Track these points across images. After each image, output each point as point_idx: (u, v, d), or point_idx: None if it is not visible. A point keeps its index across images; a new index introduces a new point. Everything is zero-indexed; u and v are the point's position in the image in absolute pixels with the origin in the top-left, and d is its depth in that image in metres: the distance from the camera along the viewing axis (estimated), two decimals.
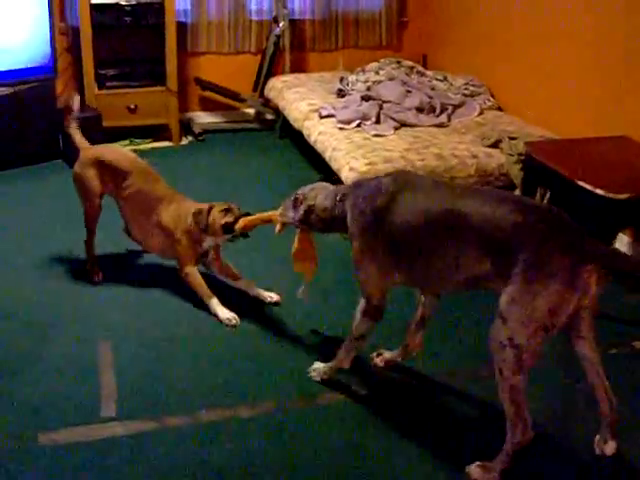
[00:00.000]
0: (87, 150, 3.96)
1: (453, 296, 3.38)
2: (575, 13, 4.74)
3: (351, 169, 4.29)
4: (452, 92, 5.61)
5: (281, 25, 6.31)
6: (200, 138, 6.31)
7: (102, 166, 3.87)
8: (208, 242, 3.74)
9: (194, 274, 3.74)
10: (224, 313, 3.58)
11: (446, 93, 5.58)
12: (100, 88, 5.91)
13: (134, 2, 5.82)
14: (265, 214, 3.35)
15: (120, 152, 4.05)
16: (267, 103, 6.47)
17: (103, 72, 5.92)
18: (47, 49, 5.55)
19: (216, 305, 3.62)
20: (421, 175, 3.00)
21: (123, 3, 5.80)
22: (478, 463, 2.62)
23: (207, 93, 6.55)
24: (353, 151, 4.48)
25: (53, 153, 5.69)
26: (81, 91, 5.96)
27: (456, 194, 2.67)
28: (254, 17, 6.57)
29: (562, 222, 2.48)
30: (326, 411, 3.00)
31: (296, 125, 5.49)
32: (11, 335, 3.43)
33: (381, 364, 3.25)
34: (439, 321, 3.38)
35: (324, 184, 3.17)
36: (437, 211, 2.64)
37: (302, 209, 3.07)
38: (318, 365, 3.17)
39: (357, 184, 3.00)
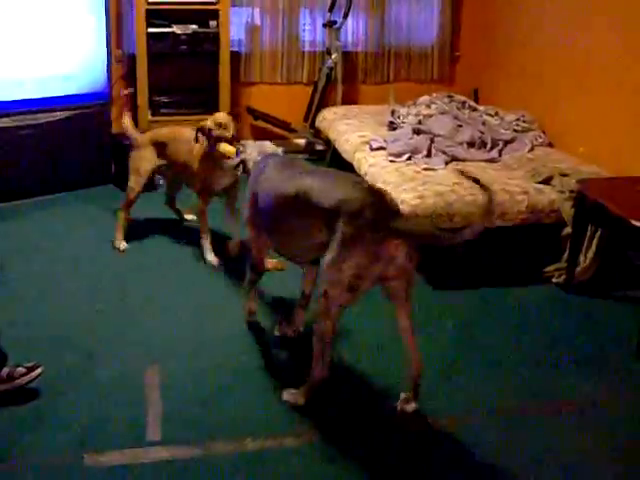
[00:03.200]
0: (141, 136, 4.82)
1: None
2: (629, 51, 4.72)
3: (402, 202, 4.27)
4: (503, 127, 5.59)
5: (334, 57, 6.36)
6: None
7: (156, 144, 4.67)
8: (223, 181, 4.40)
9: (204, 213, 4.50)
10: (211, 256, 4.47)
11: (497, 128, 5.55)
12: (154, 115, 5.99)
13: (190, 31, 5.91)
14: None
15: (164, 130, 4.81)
16: (318, 134, 6.50)
17: (157, 99, 6.00)
18: (103, 76, 5.67)
19: (207, 246, 4.50)
20: (281, 154, 3.76)
21: (179, 32, 5.89)
22: (290, 390, 3.15)
23: (259, 122, 6.61)
24: (404, 184, 4.47)
25: (105, 177, 5.77)
26: (135, 117, 6.06)
27: (303, 173, 3.17)
28: (307, 48, 6.66)
29: (378, 201, 2.86)
30: (373, 444, 2.98)
31: (346, 157, 5.50)
32: (59, 356, 3.46)
33: (278, 333, 3.71)
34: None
35: (270, 148, 3.87)
36: (288, 187, 3.13)
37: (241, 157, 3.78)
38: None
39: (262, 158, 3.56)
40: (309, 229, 3.03)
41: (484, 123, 5.62)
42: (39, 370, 3.17)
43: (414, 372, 3.08)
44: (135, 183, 4.70)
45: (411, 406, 3.12)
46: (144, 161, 4.68)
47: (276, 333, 3.71)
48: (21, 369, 3.14)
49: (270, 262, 4.38)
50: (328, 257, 2.87)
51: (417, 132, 5.25)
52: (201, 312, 3.93)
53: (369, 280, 2.84)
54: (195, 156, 4.39)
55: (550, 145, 5.45)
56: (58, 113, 5.44)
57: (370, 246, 2.78)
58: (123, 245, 4.68)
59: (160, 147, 4.64)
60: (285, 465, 2.82)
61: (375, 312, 3.59)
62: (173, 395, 3.21)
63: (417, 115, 5.66)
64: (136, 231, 4.87)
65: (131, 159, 4.77)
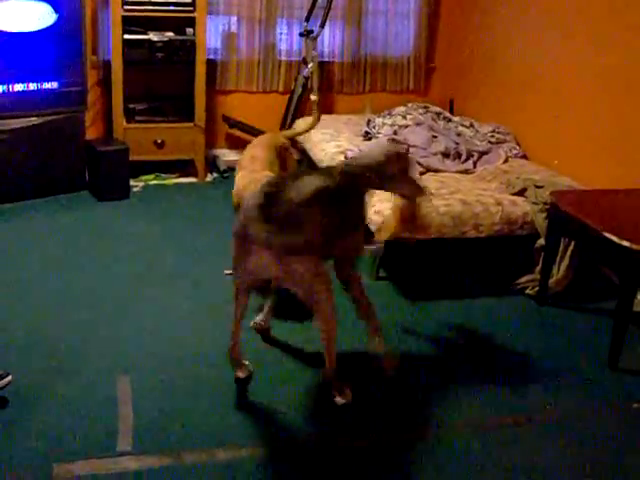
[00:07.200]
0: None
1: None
2: (603, 65, 4.76)
3: (376, 212, 4.29)
4: (478, 139, 5.62)
5: (310, 66, 6.36)
6: (225, 175, 6.35)
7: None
8: None
9: None
10: None
11: (472, 140, 5.58)
12: (129, 122, 5.96)
13: (166, 39, 5.89)
14: None
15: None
16: (294, 143, 6.48)
17: (132, 106, 5.98)
18: (78, 82, 5.61)
19: None
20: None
21: (155, 39, 5.86)
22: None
23: (234, 131, 6.60)
24: (378, 194, 4.47)
25: (80, 184, 5.73)
26: (109, 124, 6.04)
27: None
28: (283, 57, 6.65)
29: (262, 204, 2.96)
30: (352, 454, 2.97)
31: (321, 166, 5.49)
32: (29, 366, 3.42)
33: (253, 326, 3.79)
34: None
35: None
36: None
37: None
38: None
39: None
40: None
41: (459, 134, 5.65)
42: (8, 379, 3.13)
43: (327, 371, 3.23)
44: None
45: (339, 400, 3.25)
46: None
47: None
48: None
49: None
50: None
51: (392, 142, 5.26)
52: (174, 322, 3.90)
53: (245, 271, 3.09)
54: None
55: (525, 157, 5.49)
56: (32, 119, 5.40)
57: (243, 242, 3.02)
58: None
59: None
60: (257, 475, 2.81)
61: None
62: (144, 405, 3.18)
63: (392, 125, 5.68)
64: (119, 235, 4.86)
65: None
